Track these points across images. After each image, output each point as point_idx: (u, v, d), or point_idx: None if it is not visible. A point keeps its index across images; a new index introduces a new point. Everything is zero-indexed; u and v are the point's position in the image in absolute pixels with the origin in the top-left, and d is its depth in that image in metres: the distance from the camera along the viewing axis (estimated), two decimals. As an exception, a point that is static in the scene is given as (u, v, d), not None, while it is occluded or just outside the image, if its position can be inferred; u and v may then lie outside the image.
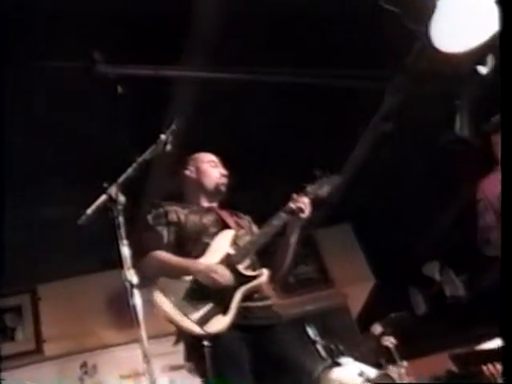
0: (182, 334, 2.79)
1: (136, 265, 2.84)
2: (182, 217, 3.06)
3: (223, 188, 3.24)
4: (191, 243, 2.99)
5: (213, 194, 3.22)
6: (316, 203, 3.14)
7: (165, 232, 3.00)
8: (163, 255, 2.91)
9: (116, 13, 3.81)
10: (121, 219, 2.31)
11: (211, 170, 3.26)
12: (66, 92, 4.09)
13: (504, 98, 2.26)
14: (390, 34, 3.98)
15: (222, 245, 2.99)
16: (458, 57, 3.82)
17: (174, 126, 2.84)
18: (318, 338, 4.75)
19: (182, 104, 4.32)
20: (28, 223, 5.18)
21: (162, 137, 2.77)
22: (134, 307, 2.17)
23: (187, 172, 3.30)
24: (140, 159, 2.61)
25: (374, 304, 6.85)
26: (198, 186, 3.24)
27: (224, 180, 3.25)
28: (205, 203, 3.22)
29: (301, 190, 3.14)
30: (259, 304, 2.93)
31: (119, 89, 3.94)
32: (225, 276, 2.79)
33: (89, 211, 2.32)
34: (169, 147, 2.81)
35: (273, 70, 4.23)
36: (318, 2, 3.86)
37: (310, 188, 3.14)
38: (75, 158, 4.63)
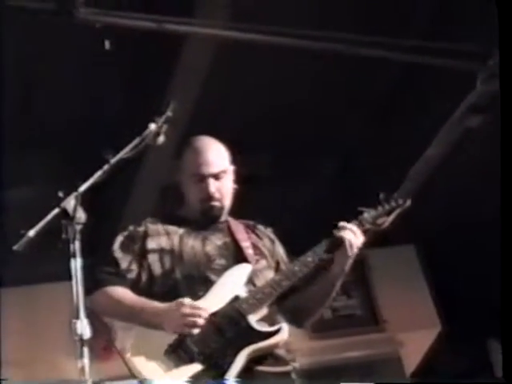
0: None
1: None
2: (176, 241, 2.94)
3: (216, 211, 3.01)
4: (188, 282, 2.86)
5: (205, 217, 3.02)
6: (371, 235, 2.99)
7: (133, 266, 2.88)
8: (118, 292, 2.84)
9: None
10: (77, 245, 2.27)
11: (194, 187, 3.02)
12: (38, 47, 4.08)
13: (504, 97, 2.56)
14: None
15: (230, 284, 2.85)
16: None
17: (169, 112, 2.77)
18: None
19: (191, 71, 4.30)
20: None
21: (152, 126, 2.70)
22: (83, 370, 2.13)
23: (176, 177, 3.14)
24: (115, 159, 2.53)
25: (436, 359, 6.77)
26: (188, 200, 3.08)
27: (215, 202, 3.00)
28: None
29: (354, 216, 2.98)
30: (272, 369, 2.84)
31: (107, 44, 3.90)
32: (197, 311, 2.68)
33: (31, 232, 2.24)
34: (162, 139, 2.74)
35: (318, 33, 4.14)
36: None
37: (367, 215, 3.00)
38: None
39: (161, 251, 2.92)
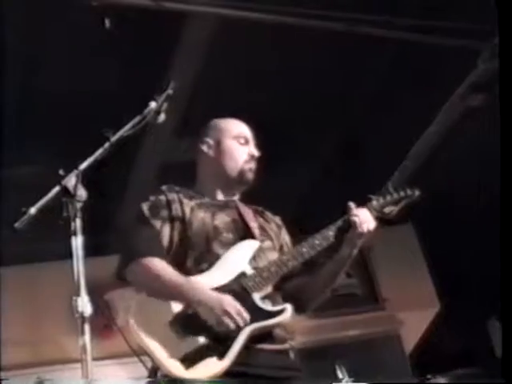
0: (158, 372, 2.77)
1: (120, 273, 2.82)
2: (187, 211, 2.94)
3: (250, 176, 3.07)
4: (195, 253, 2.86)
5: (235, 182, 3.07)
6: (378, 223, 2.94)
7: (166, 230, 2.88)
8: (158, 266, 2.80)
9: None
10: (78, 222, 2.27)
11: (238, 148, 3.08)
12: (37, 25, 4.07)
13: (503, 97, 2.64)
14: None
15: (237, 260, 2.87)
16: None
17: (170, 90, 2.76)
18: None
19: (191, 49, 4.29)
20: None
21: (153, 104, 2.69)
22: (85, 347, 2.14)
23: (204, 147, 3.11)
24: (116, 137, 2.52)
25: (435, 339, 6.79)
26: (217, 169, 3.07)
27: (253, 165, 3.07)
28: (221, 194, 3.08)
29: (363, 202, 2.95)
30: (271, 347, 2.83)
31: (107, 23, 3.88)
32: (240, 317, 2.68)
33: (32, 210, 2.25)
34: (162, 117, 2.74)
35: (322, 12, 4.12)
36: None
37: (376, 202, 2.99)
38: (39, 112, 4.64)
39: (175, 219, 2.92)
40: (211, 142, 3.10)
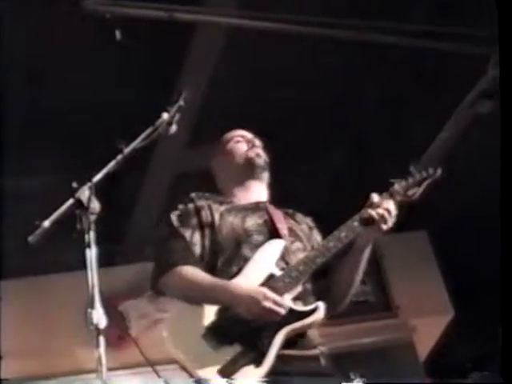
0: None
1: (155, 284, 2.84)
2: (217, 217, 2.96)
3: (258, 160, 3.14)
4: (224, 256, 2.87)
5: (248, 171, 3.12)
6: (402, 207, 2.90)
7: (196, 237, 2.90)
8: (192, 272, 2.82)
9: None
10: (92, 235, 2.28)
11: (237, 145, 3.20)
12: (48, 36, 4.10)
13: (503, 98, 2.68)
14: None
15: (264, 261, 2.85)
16: None
17: (182, 101, 2.77)
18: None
19: (203, 60, 4.31)
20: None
21: (165, 115, 2.70)
22: (100, 359, 2.14)
23: (214, 159, 3.26)
24: (128, 149, 2.53)
25: (449, 346, 6.76)
26: (228, 169, 3.17)
27: (257, 150, 3.16)
28: (247, 196, 3.10)
29: (385, 189, 2.91)
30: (304, 353, 2.80)
31: (118, 35, 3.91)
32: (281, 306, 2.66)
33: (46, 223, 2.25)
34: (174, 128, 2.75)
35: (330, 20, 4.14)
36: None
37: (398, 186, 2.94)
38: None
39: (205, 225, 2.94)
40: (218, 152, 3.23)
